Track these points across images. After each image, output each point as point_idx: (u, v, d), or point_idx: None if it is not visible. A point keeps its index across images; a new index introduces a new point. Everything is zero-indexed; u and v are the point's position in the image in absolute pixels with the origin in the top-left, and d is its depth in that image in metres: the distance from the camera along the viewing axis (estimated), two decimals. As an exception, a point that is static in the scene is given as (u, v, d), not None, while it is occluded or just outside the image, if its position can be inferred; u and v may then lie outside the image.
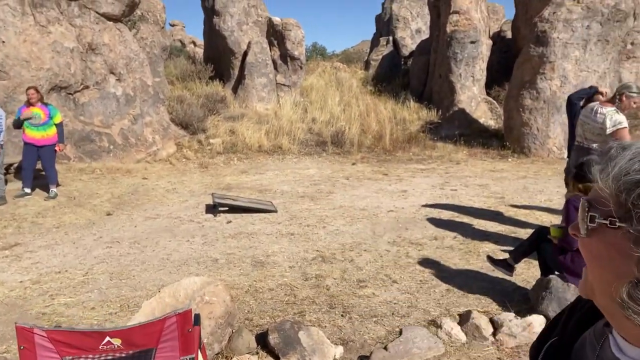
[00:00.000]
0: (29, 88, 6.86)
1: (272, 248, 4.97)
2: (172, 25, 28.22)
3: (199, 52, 22.39)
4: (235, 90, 14.76)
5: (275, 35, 15.19)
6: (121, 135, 9.63)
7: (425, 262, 4.44)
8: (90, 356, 1.65)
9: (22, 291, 3.95)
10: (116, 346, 1.62)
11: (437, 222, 5.78)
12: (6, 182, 7.06)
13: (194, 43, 27.63)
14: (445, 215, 6.11)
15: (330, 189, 7.77)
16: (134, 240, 5.28)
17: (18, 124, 6.83)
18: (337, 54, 29.58)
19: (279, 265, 4.46)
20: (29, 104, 6.81)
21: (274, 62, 15.09)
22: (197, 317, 1.97)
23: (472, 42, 13.19)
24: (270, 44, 15.19)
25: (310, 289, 3.87)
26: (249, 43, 14.65)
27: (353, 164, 10.36)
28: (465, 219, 5.89)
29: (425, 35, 19.18)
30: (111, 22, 9.67)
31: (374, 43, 22.29)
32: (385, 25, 21.50)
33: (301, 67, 15.43)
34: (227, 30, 14.97)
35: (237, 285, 3.97)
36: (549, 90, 10.20)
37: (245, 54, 14.67)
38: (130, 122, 9.85)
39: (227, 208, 6.43)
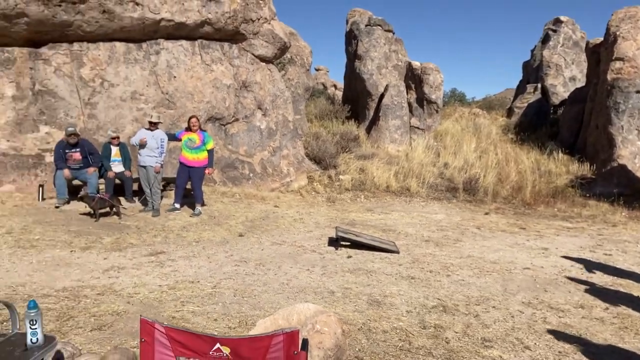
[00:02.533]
0: (192, 117, 7.78)
1: (390, 289, 4.75)
2: (317, 70, 30.26)
3: (339, 94, 23.53)
4: (369, 130, 15.05)
5: (413, 78, 15.27)
6: (261, 164, 10.38)
7: (567, 332, 3.81)
8: (200, 360, 1.68)
9: (159, 294, 4.34)
10: (224, 354, 1.62)
11: (584, 288, 4.99)
12: (162, 197, 8.02)
13: (335, 86, 29.17)
14: (596, 281, 5.25)
15: (458, 237, 7.30)
16: (260, 262, 5.51)
17: (171, 138, 7.75)
18: (477, 100, 28.57)
19: (396, 307, 4.23)
20: (188, 129, 7.72)
21: (409, 105, 15.12)
22: (305, 342, 1.90)
23: (638, 92, 11.63)
24: (408, 87, 15.29)
25: (427, 339, 3.56)
26: (387, 86, 14.93)
27: (486, 213, 9.66)
28: (622, 289, 4.99)
29: (581, 83, 17.54)
30: (264, 63, 10.67)
31: (520, 90, 21.03)
32: (533, 72, 20.22)
33: (437, 111, 15.18)
34: (367, 73, 15.49)
35: (351, 321, 3.84)
36: None
37: (381, 96, 14.97)
38: (270, 153, 10.59)
39: (349, 243, 6.40)
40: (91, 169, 7.55)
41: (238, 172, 10.02)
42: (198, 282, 4.74)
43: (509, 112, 19.67)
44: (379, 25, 16.00)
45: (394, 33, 16.43)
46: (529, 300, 4.57)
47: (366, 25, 16.02)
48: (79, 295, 4.18)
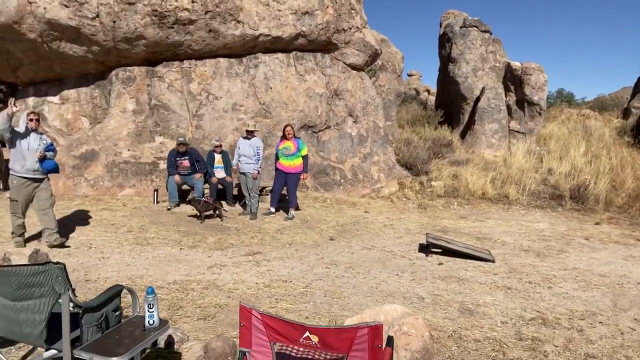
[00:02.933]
0: (286, 125, 8.17)
1: (484, 298, 4.58)
2: (410, 75, 29.86)
3: (432, 99, 23.01)
4: (463, 135, 14.54)
5: (512, 80, 14.47)
6: (351, 171, 10.54)
7: (692, 355, 3.39)
8: (291, 347, 1.82)
9: (256, 291, 4.64)
10: (313, 343, 1.74)
11: None
12: (258, 201, 8.51)
13: (428, 91, 28.55)
14: None
15: (562, 247, 6.79)
16: (349, 266, 5.62)
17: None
18: (587, 100, 26.19)
19: (490, 317, 4.08)
20: (284, 138, 8.11)
21: (508, 107, 14.35)
22: (391, 339, 1.95)
23: None
24: (506, 89, 14.53)
25: (523, 351, 3.40)
26: (483, 88, 14.32)
27: (596, 223, 8.84)
28: None
29: None
30: (355, 71, 10.86)
31: (638, 89, 18.90)
32: (655, 66, 18.04)
33: (540, 113, 14.22)
34: (461, 76, 15.01)
35: (440, 327, 3.79)
36: None
37: (477, 100, 14.39)
38: (360, 160, 10.72)
39: (440, 250, 6.28)
40: (197, 175, 8.26)
41: (329, 178, 10.27)
42: (291, 281, 4.97)
43: (625, 113, 17.78)
44: (475, 26, 15.42)
45: (491, 33, 15.73)
46: (645, 318, 4.13)
47: (461, 27, 15.54)
48: (187, 288, 4.61)
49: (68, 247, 5.79)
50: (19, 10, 8.03)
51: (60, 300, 2.18)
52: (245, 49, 9.51)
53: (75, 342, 2.30)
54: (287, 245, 6.57)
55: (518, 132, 14.40)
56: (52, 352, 2.33)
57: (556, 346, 3.50)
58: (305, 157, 8.11)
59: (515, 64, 14.58)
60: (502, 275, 5.37)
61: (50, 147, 5.71)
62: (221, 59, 9.50)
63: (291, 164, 8.02)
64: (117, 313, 2.54)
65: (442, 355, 3.28)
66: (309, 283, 4.94)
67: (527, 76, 13.99)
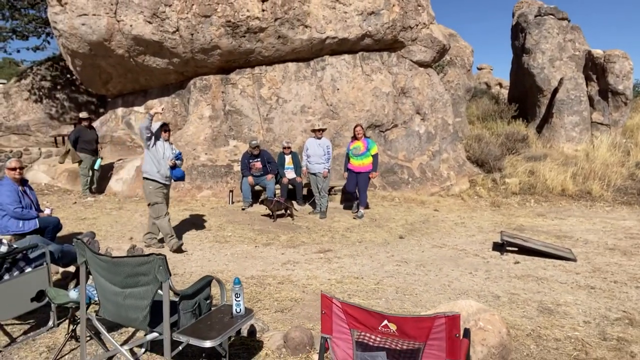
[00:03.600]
0: (357, 125, 8.28)
1: (565, 298, 4.40)
2: (480, 69, 28.79)
3: (504, 93, 22.05)
4: (539, 129, 13.85)
5: (594, 69, 13.55)
6: (419, 169, 10.43)
7: None
8: (369, 335, 1.92)
9: (329, 286, 4.79)
10: (392, 331, 1.83)
11: None
12: (328, 201, 8.69)
13: (500, 85, 27.35)
14: None
15: (653, 246, 6.30)
16: (420, 264, 5.62)
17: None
18: (682, 87, 23.75)
19: (571, 317, 3.92)
20: (354, 138, 8.22)
21: (590, 98, 13.46)
22: (467, 331, 2.00)
23: None
24: (587, 79, 13.64)
25: (608, 351, 3.25)
26: (561, 79, 13.55)
27: (695, 220, 8.07)
28: None
29: None
30: (422, 68, 10.74)
31: None
32: None
33: (625, 104, 13.19)
34: (537, 68, 14.30)
35: (518, 326, 3.71)
36: None
37: (555, 91, 13.64)
38: (429, 157, 10.58)
39: (516, 249, 6.08)
40: (269, 176, 8.60)
41: (397, 176, 10.24)
42: (362, 278, 5.07)
43: None
44: (551, 14, 14.62)
45: (569, 21, 14.83)
46: None
47: (535, 16, 14.79)
48: (264, 283, 4.86)
49: (185, 251, 5.96)
50: (109, 28, 8.84)
51: (161, 289, 2.45)
52: (313, 52, 9.75)
53: (173, 326, 2.57)
54: (357, 243, 6.68)
55: (601, 124, 13.46)
56: (154, 334, 2.62)
57: (646, 348, 3.31)
58: (375, 156, 8.17)
59: (597, 52, 13.63)
60: (585, 275, 5.11)
61: (179, 156, 6.06)
62: (289, 64, 9.82)
63: (361, 163, 8.12)
64: (208, 301, 2.79)
65: (520, 353, 3.23)
66: (380, 280, 5.01)
67: (611, 64, 13.03)
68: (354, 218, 8.09)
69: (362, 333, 1.95)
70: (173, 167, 5.87)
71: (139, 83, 10.26)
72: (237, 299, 2.70)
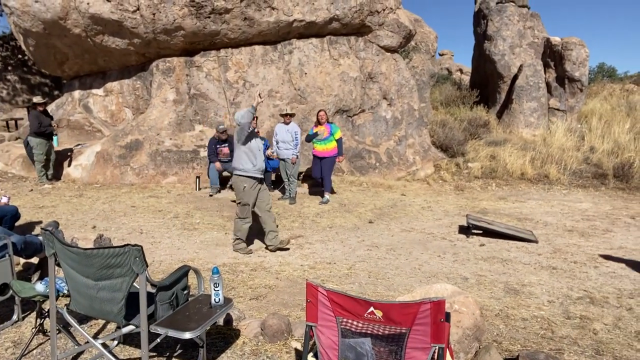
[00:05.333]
0: (320, 111, 8.27)
1: (529, 278, 4.60)
2: (441, 55, 29.23)
3: (465, 79, 22.51)
4: (500, 114, 14.25)
5: (552, 56, 14.01)
6: (386, 154, 10.55)
7: None
8: (356, 322, 1.94)
9: (302, 272, 4.80)
10: (377, 317, 1.85)
11: None
12: (297, 187, 8.66)
13: (461, 70, 27.90)
14: None
15: (607, 227, 6.66)
16: (390, 248, 5.72)
17: (309, 139, 8.31)
18: (630, 75, 25.00)
19: (536, 297, 4.11)
20: (317, 123, 8.21)
21: (547, 85, 13.93)
22: (448, 315, 2.05)
23: None
24: (546, 66, 14.09)
25: (572, 329, 3.43)
26: (521, 66, 13.94)
27: (643, 202, 8.58)
28: None
29: None
30: (389, 53, 10.78)
31: (688, 59, 17.92)
32: None
33: (581, 90, 13.74)
34: (498, 54, 14.64)
35: (487, 306, 3.85)
36: None
37: (515, 78, 14.03)
38: (395, 142, 10.70)
39: (481, 231, 6.28)
40: (237, 162, 8.46)
41: (365, 161, 10.32)
42: (335, 263, 5.11)
43: (674, 86, 16.92)
44: (512, 1, 14.94)
45: (529, 8, 15.21)
46: (699, 297, 4.07)
47: (497, 3, 15.08)
48: (236, 270, 4.82)
49: (287, 249, 5.54)
50: (64, 6, 8.36)
51: (137, 280, 2.37)
52: (280, 35, 9.59)
53: (150, 319, 2.50)
54: (328, 228, 6.71)
55: (558, 110, 13.98)
56: (130, 327, 2.55)
57: (605, 324, 3.51)
58: (339, 141, 8.18)
59: (555, 39, 14.08)
60: (547, 256, 5.35)
61: (267, 144, 5.46)
62: (256, 47, 9.62)
63: (325, 148, 8.11)
64: (185, 292, 2.73)
65: (490, 333, 3.36)
66: (352, 265, 5.07)
67: (568, 51, 13.51)
68: (319, 204, 8.11)
69: (348, 320, 1.96)
70: (268, 157, 5.32)
71: (97, 64, 9.80)
72: (216, 289, 2.65)
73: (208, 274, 3.45)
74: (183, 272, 2.70)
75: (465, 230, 6.35)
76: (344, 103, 10.12)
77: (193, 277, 3.67)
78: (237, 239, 5.45)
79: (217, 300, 2.65)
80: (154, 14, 8.52)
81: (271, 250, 5.48)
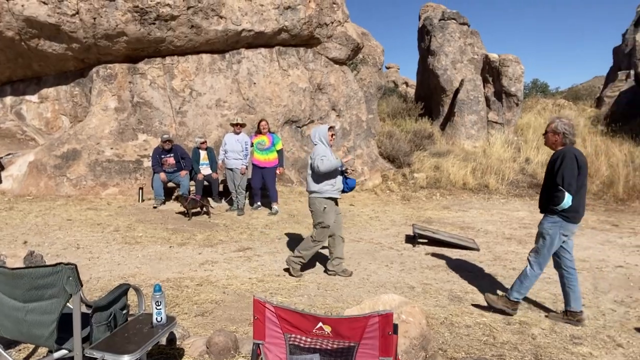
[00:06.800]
0: (261, 120, 8.20)
1: (472, 286, 4.76)
2: (388, 68, 30.07)
3: (410, 91, 23.25)
4: (443, 127, 14.80)
5: (490, 71, 14.76)
6: (335, 164, 10.63)
7: (667, 333, 3.62)
8: (304, 338, 1.91)
9: (250, 286, 4.70)
10: (326, 332, 1.83)
11: (687, 289, 4.66)
12: (245, 197, 8.53)
13: (406, 83, 28.81)
14: (701, 282, 4.87)
15: (542, 235, 7.04)
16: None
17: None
18: (561, 90, 26.84)
19: (478, 303, 4.25)
20: (259, 132, 8.12)
21: (486, 99, 14.64)
22: (396, 327, 2.06)
23: None
24: (485, 81, 14.81)
25: (512, 334, 3.57)
26: (462, 81, 14.57)
27: (573, 210, 9.16)
28: None
29: (683, 66, 15.92)
30: (337, 65, 10.94)
31: (610, 78, 19.50)
32: (625, 58, 18.65)
33: (517, 104, 14.56)
34: (441, 69, 15.23)
35: (432, 315, 3.93)
36: None
37: (456, 92, 14.64)
38: (344, 153, 10.82)
39: (426, 240, 6.45)
40: (183, 172, 8.24)
41: (314, 172, 10.34)
42: (284, 275, 5.06)
43: (599, 102, 18.33)
44: (453, 18, 15.65)
45: (469, 26, 15.99)
46: (622, 298, 4.37)
47: (440, 20, 15.74)
48: (181, 286, 4.65)
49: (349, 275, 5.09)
50: (-6, 7, 7.84)
51: (70, 301, 2.21)
52: (228, 44, 9.48)
53: (85, 341, 2.34)
54: (277, 240, 6.64)
55: (496, 122, 14.72)
56: (63, 352, 2.37)
57: (543, 329, 3.68)
58: (280, 152, 8.17)
59: (493, 56, 14.87)
60: (488, 263, 5.57)
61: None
62: (204, 55, 9.45)
63: (266, 158, 8.06)
64: (124, 312, 2.58)
65: (436, 341, 3.42)
66: (301, 276, 5.03)
67: (505, 68, 14.29)
68: (268, 214, 8.03)
69: (296, 336, 1.93)
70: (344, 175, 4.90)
71: (32, 69, 9.24)
72: (159, 307, 2.53)
73: (151, 290, 3.30)
74: (122, 291, 2.55)
75: (412, 239, 6.49)
76: (293, 114, 10.13)
77: (134, 294, 3.50)
78: (299, 257, 4.97)
79: (159, 319, 2.53)
80: (94, 19, 8.16)
81: (330, 275, 5.07)
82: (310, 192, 4.86)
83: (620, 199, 9.82)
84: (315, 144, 4.84)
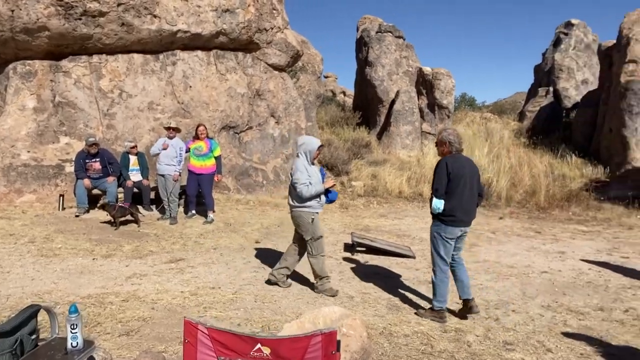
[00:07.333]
0: (199, 125, 7.90)
1: (409, 293, 4.79)
2: (326, 77, 30.41)
3: (348, 101, 23.63)
4: (380, 136, 15.11)
5: (424, 84, 15.32)
6: (274, 172, 10.48)
7: (588, 334, 3.83)
8: (240, 360, 1.75)
9: (182, 300, 4.42)
10: (265, 355, 1.69)
11: (603, 291, 4.99)
12: (179, 205, 8.14)
13: (344, 93, 29.28)
14: (614, 284, 5.24)
15: (474, 242, 7.30)
16: (277, 269, 5.57)
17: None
18: (487, 104, 28.50)
19: (416, 311, 4.27)
20: (196, 137, 7.82)
21: (420, 110, 15.16)
22: (339, 343, 1.96)
23: (653, 93, 11.56)
24: (419, 93, 15.34)
25: (448, 342, 3.60)
26: (398, 92, 15.00)
27: (500, 218, 9.64)
28: (642, 293, 4.97)
29: (593, 86, 17.48)
30: (277, 72, 10.82)
31: (531, 94, 20.97)
32: (545, 75, 20.16)
33: (448, 116, 15.20)
34: (378, 80, 15.58)
35: (372, 325, 3.89)
36: None
37: (392, 102, 15.04)
38: (282, 160, 10.70)
39: (364, 249, 6.46)
40: (110, 178, 7.71)
41: (252, 179, 10.13)
42: (219, 288, 4.82)
43: (521, 116, 19.62)
44: (390, 31, 16.10)
45: (404, 39, 16.52)
46: (549, 303, 4.59)
47: (377, 32, 16.14)
48: (104, 302, 4.27)
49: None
50: None
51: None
52: (162, 45, 9.06)
53: (-17, 374, 2.03)
54: (212, 250, 6.36)
55: (429, 133, 15.27)
56: (-46, 387, 2.04)
57: (477, 336, 3.76)
58: (218, 158, 7.91)
59: (427, 69, 15.45)
60: (424, 270, 5.66)
61: (323, 172, 4.92)
62: (135, 55, 8.96)
63: (203, 164, 7.77)
64: (34, 336, 2.28)
65: (375, 353, 3.37)
66: (238, 289, 4.82)
67: (437, 81, 14.89)
68: (203, 223, 7.71)
69: (231, 360, 1.76)
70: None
71: None
72: (74, 331, 2.25)
73: (66, 309, 2.96)
74: (30, 313, 2.25)
75: (351, 247, 6.48)
76: (231, 119, 9.86)
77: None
78: (322, 277, 4.76)
79: (74, 344, 2.25)
80: (12, 11, 7.47)
81: (271, 283, 4.92)
82: (295, 207, 4.71)
83: (542, 207, 10.48)
84: (297, 156, 4.68)
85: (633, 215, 9.57)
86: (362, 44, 16.72)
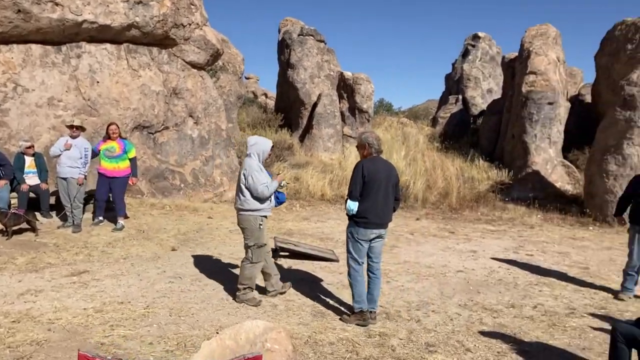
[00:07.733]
0: (111, 124, 7.32)
1: (333, 298, 4.73)
2: (248, 78, 29.91)
3: (270, 103, 23.40)
4: (302, 139, 15.08)
5: (345, 88, 15.54)
6: (192, 174, 9.99)
7: (503, 332, 4.00)
8: (149, 395, 1.52)
9: (84, 319, 3.97)
10: (177, 387, 1.48)
11: (513, 288, 5.29)
12: (84, 211, 7.43)
13: (266, 95, 28.99)
14: (522, 281, 5.59)
15: (394, 243, 7.47)
16: (196, 278, 5.25)
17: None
18: (403, 110, 29.75)
19: (340, 317, 4.20)
20: (107, 138, 7.23)
21: (342, 114, 15.36)
22: (262, 364, 1.79)
23: (550, 104, 12.72)
24: (340, 97, 15.54)
25: (373, 348, 3.56)
26: (320, 95, 15.07)
27: (417, 219, 10.01)
28: (546, 288, 5.35)
29: (497, 95, 18.88)
30: (195, 70, 10.33)
31: (442, 101, 22.21)
32: (455, 84, 21.45)
33: (368, 120, 15.56)
34: (300, 82, 15.54)
35: (297, 334, 3.75)
36: (636, 157, 9.46)
37: (314, 105, 15.08)
38: (202, 163, 10.23)
39: (288, 253, 6.31)
40: (2, 182, 6.83)
41: (168, 182, 9.57)
42: (128, 302, 4.41)
43: (434, 122, 20.68)
44: (311, 35, 16.15)
45: (325, 43, 16.66)
46: (465, 302, 4.76)
47: (299, 35, 16.11)
48: (-10, 325, 3.71)
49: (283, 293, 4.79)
50: None
51: None
52: (66, 36, 8.24)
53: None
54: (122, 260, 5.86)
55: (350, 136, 15.52)
56: None
57: (401, 339, 3.76)
58: (133, 160, 7.39)
59: (347, 74, 15.70)
60: (347, 274, 5.62)
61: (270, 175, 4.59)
62: (33, 46, 8.05)
63: (116, 167, 7.21)
64: None
65: (301, 364, 3.24)
66: (151, 302, 4.44)
67: (358, 86, 15.17)
68: (112, 231, 7.12)
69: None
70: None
71: None
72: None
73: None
74: None
75: (274, 252, 6.28)
76: (145, 118, 9.24)
77: None
78: (247, 287, 4.50)
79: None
80: None
81: (272, 296, 4.71)
82: (245, 210, 4.44)
83: (454, 208, 11.05)
84: (249, 156, 4.49)
85: (534, 215, 10.40)
86: (284, 46, 16.60)
